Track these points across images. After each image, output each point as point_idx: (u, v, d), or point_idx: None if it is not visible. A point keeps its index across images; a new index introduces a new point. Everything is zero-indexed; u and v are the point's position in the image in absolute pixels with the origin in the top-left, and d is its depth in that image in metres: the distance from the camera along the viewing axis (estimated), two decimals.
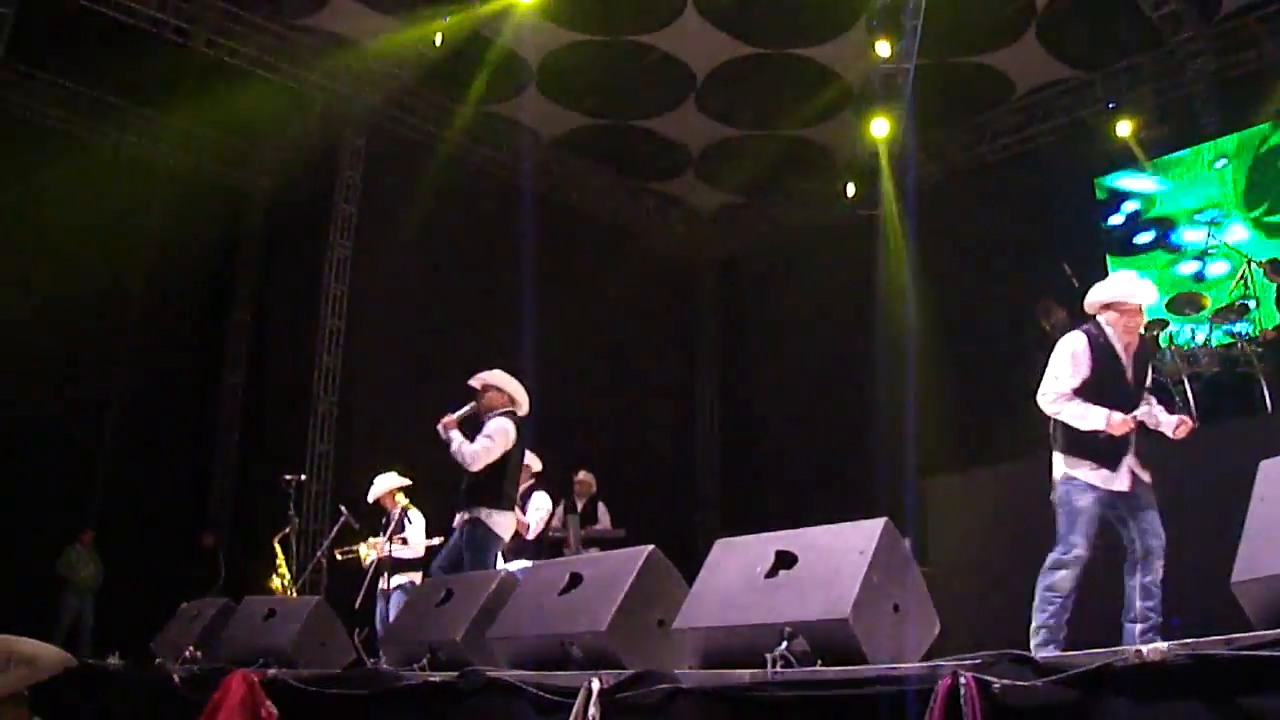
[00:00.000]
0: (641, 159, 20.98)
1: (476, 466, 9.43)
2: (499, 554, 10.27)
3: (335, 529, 12.82)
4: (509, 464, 9.78)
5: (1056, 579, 6.90)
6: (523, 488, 11.78)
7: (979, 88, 18.41)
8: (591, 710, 4.58)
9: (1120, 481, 7.09)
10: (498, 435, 9.57)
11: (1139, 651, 3.45)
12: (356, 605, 11.36)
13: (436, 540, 11.67)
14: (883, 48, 15.96)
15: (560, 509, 13.75)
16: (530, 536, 11.97)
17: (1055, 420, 7.36)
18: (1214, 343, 12.14)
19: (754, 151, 20.42)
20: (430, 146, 18.93)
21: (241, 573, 15.65)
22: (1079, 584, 6.86)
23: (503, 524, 9.65)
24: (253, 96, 17.67)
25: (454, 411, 9.73)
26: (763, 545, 4.93)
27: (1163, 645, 3.44)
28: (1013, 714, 3.63)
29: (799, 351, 20.71)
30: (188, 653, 8.36)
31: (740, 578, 4.88)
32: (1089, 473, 7.16)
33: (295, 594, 13.32)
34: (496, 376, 10.01)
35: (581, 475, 14.36)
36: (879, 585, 4.46)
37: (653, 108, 19.27)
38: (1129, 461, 7.15)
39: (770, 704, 4.22)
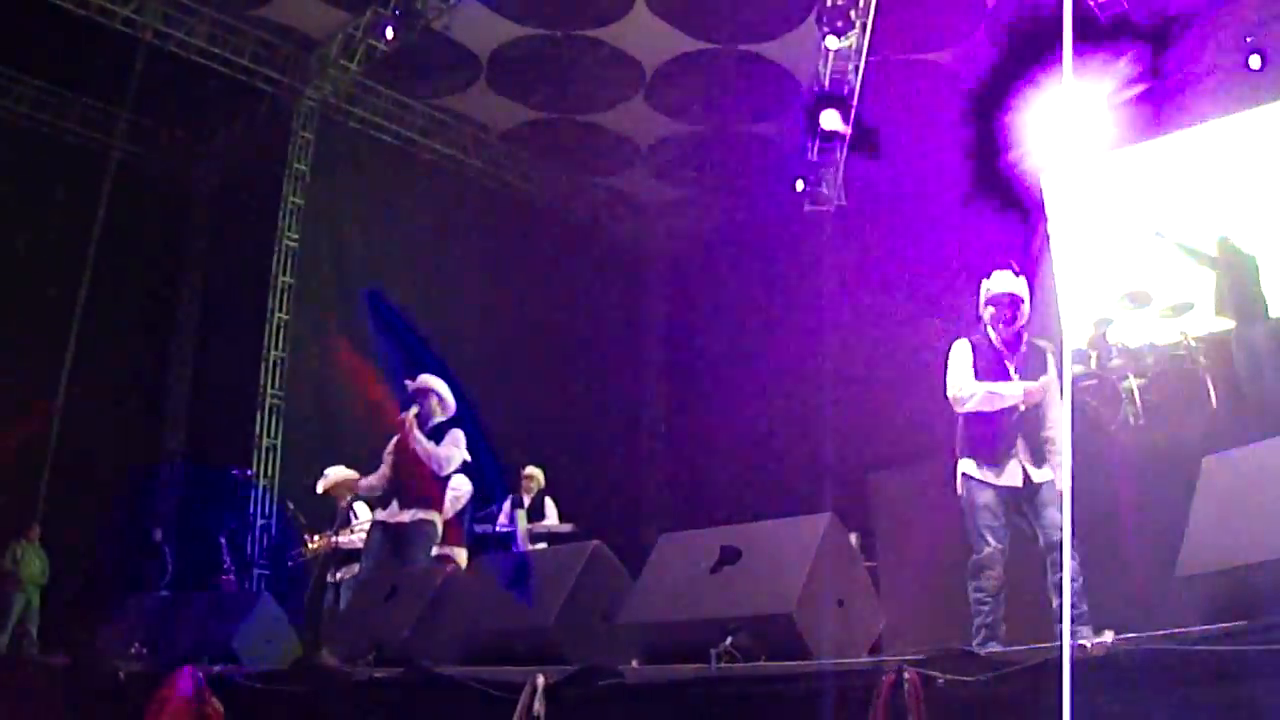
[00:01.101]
0: (590, 153, 20.94)
1: (447, 470, 9.75)
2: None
3: (281, 524, 12.78)
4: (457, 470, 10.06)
5: (981, 580, 6.90)
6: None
7: (929, 86, 18.46)
8: (536, 705, 4.58)
9: (1010, 477, 7.14)
10: (460, 444, 9.93)
11: (1083, 646, 3.47)
12: (304, 601, 11.34)
13: None
14: (830, 44, 15.98)
15: (508, 504, 13.75)
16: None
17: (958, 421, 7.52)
18: (1159, 341, 12.22)
19: (703, 146, 20.43)
20: (379, 139, 18.89)
21: (189, 568, 15.57)
22: (1005, 580, 6.88)
23: (439, 524, 9.81)
24: (201, 88, 17.59)
25: (405, 410, 9.85)
26: (707, 540, 4.95)
27: (1106, 639, 3.47)
28: (956, 708, 3.65)
29: (747, 347, 20.70)
30: (134, 649, 8.31)
31: (685, 573, 4.89)
32: (981, 470, 7.25)
33: (240, 589, 13.28)
34: (434, 381, 10.18)
35: (529, 470, 14.31)
36: (823, 580, 4.48)
37: (602, 102, 19.24)
38: (1020, 458, 7.18)
39: (714, 699, 4.23)
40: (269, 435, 16.47)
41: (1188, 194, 15.68)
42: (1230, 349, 11.71)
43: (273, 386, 16.60)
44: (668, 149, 20.64)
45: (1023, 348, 7.50)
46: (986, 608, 6.79)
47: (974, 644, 6.55)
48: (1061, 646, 3.53)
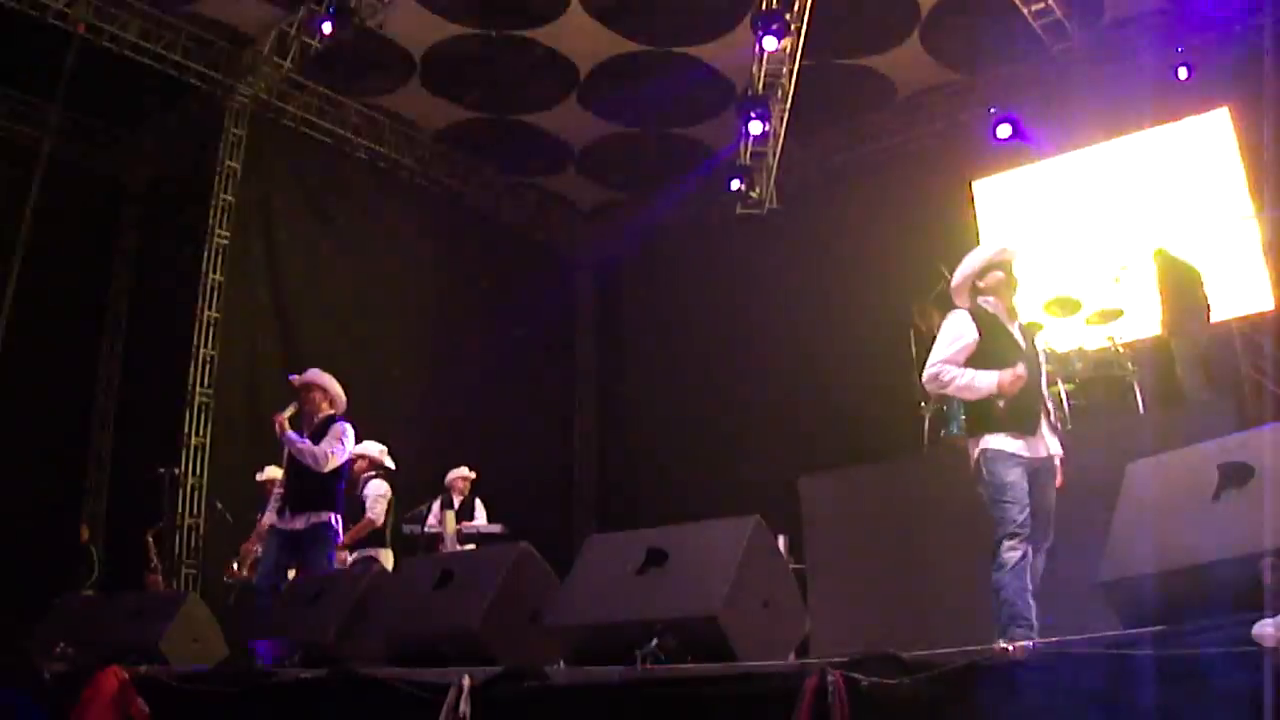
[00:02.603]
0: (523, 154, 20.90)
1: (328, 468, 9.56)
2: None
3: (206, 523, 12.73)
4: (344, 468, 9.96)
5: (1009, 560, 6.55)
6: (361, 479, 11.90)
7: (861, 90, 18.58)
8: (462, 707, 4.58)
9: (1036, 449, 6.99)
10: (346, 439, 9.69)
11: (1005, 649, 3.50)
12: (230, 601, 11.28)
13: None
14: (768, 45, 16.02)
15: (437, 505, 13.74)
16: (378, 524, 12.01)
17: (959, 403, 7.58)
18: (1088, 346, 12.34)
19: (636, 149, 20.46)
20: (311, 137, 18.80)
21: (117, 567, 15.45)
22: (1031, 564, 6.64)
23: (339, 524, 9.84)
24: (133, 83, 17.46)
25: (283, 410, 9.75)
26: (634, 542, 4.96)
27: (1027, 643, 3.50)
28: (881, 711, 3.67)
29: (678, 350, 20.75)
30: (59, 649, 8.25)
31: (612, 574, 4.91)
32: (1014, 443, 6.97)
33: (167, 589, 13.19)
34: (319, 376, 9.99)
35: (462, 471, 14.32)
36: (749, 582, 4.50)
37: (535, 103, 19.22)
38: (1043, 428, 7.09)
39: (639, 701, 4.25)
40: (198, 434, 16.33)
41: (1113, 203, 15.89)
42: (1156, 355, 11.87)
43: (202, 385, 16.46)
44: (601, 150, 20.65)
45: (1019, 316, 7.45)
46: (1010, 593, 6.47)
47: (1004, 641, 5.87)
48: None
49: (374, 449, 12.35)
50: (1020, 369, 6.93)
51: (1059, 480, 7.10)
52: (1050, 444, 7.11)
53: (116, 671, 6.70)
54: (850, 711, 3.64)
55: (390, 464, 12.43)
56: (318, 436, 9.73)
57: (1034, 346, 7.51)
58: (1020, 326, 7.44)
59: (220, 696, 6.17)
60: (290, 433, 9.57)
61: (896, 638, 5.95)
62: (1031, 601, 6.44)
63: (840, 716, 3.63)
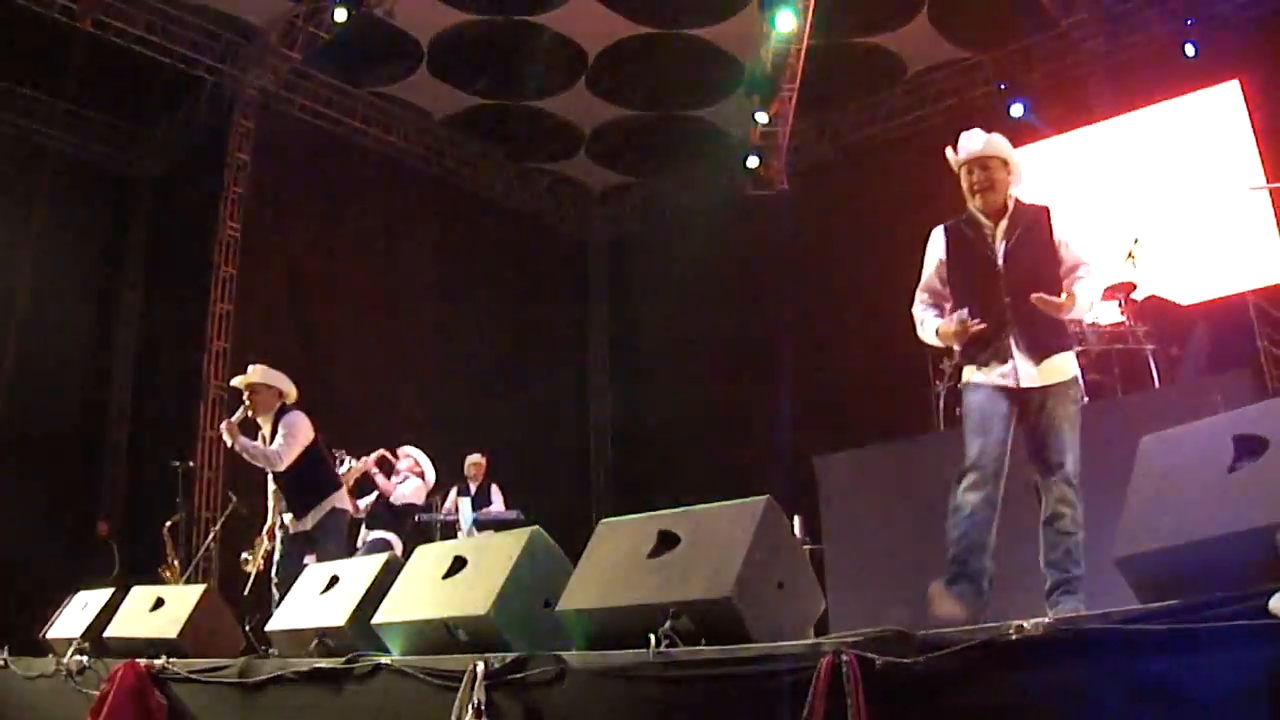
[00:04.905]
0: (533, 139, 20.96)
1: (282, 466, 9.43)
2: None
3: (224, 516, 12.75)
4: (319, 450, 9.84)
5: (959, 500, 5.98)
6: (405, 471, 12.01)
7: (871, 68, 18.56)
8: (477, 692, 4.57)
9: (1004, 375, 6.10)
10: (296, 430, 9.53)
11: (1020, 626, 3.47)
12: (245, 592, 11.27)
13: None
14: (783, 23, 15.99)
15: (454, 491, 13.77)
16: (388, 494, 12.15)
17: None
18: (1102, 321, 12.31)
19: (645, 132, 20.47)
20: (321, 127, 18.82)
21: (134, 560, 15.47)
22: (991, 505, 5.93)
23: (344, 500, 9.81)
24: (142, 77, 17.48)
25: (232, 415, 9.67)
26: (646, 525, 4.93)
27: (1043, 620, 3.47)
28: (896, 690, 3.65)
29: (691, 332, 20.77)
30: (76, 644, 8.25)
31: (624, 558, 4.88)
32: (974, 372, 6.23)
33: (184, 582, 13.21)
34: (260, 374, 9.78)
35: (475, 457, 14.33)
36: (762, 563, 4.46)
37: (544, 88, 19.23)
38: (1015, 351, 6.08)
39: (654, 683, 4.23)
40: (212, 426, 16.35)
41: (1125, 178, 15.85)
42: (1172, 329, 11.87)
43: (215, 378, 16.50)
44: (611, 134, 20.66)
45: (1009, 209, 6.35)
46: (957, 532, 5.96)
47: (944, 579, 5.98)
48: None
49: (423, 459, 12.57)
50: (963, 315, 6.12)
51: (1069, 415, 6.04)
52: (1027, 373, 6.08)
53: (134, 665, 6.70)
54: (865, 690, 3.62)
55: (432, 477, 12.60)
56: (275, 433, 9.65)
57: (1030, 249, 6.27)
58: (1011, 219, 6.32)
59: (237, 688, 6.17)
60: (242, 439, 9.45)
61: (914, 616, 5.94)
62: (987, 562, 5.90)
63: (855, 696, 3.61)
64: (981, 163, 6.41)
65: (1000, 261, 6.24)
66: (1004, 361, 6.11)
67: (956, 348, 6.34)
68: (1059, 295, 5.99)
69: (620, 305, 23.43)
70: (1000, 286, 6.19)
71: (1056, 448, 5.95)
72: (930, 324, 6.44)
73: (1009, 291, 6.13)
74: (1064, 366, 6.13)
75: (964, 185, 6.50)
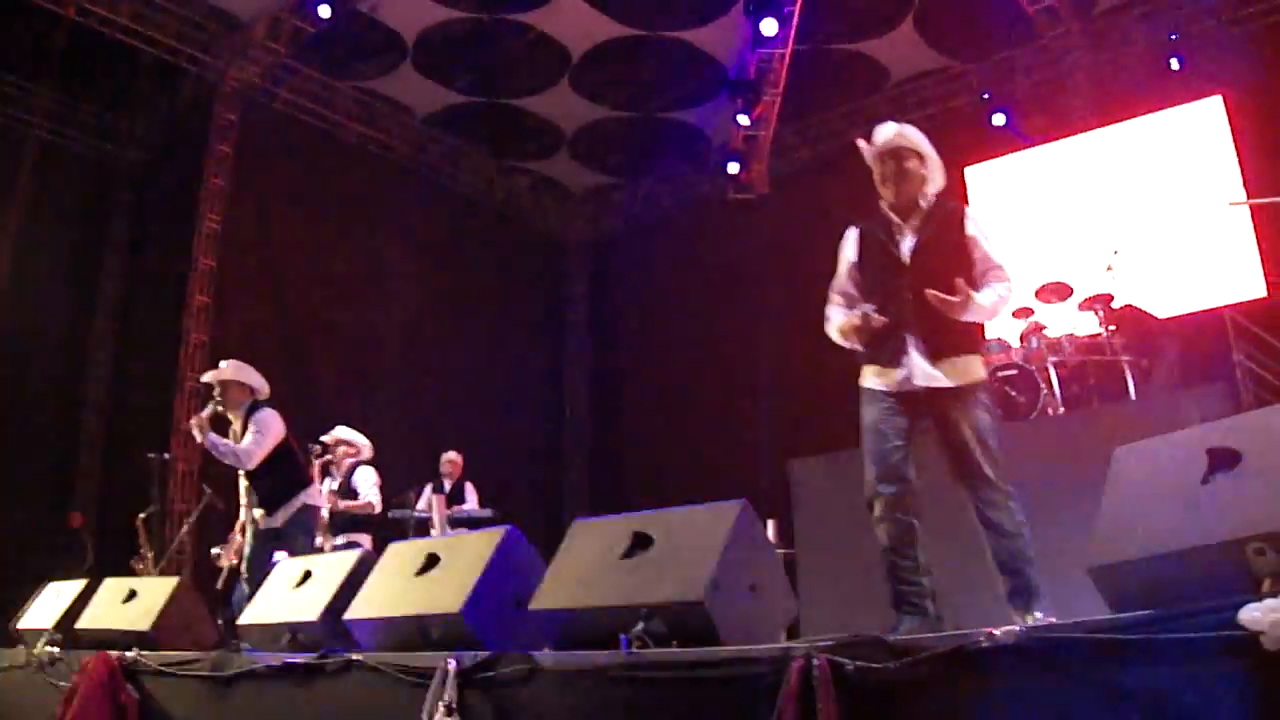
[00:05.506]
0: (515, 138, 20.95)
1: (252, 463, 9.41)
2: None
3: (199, 509, 12.71)
4: (289, 447, 9.80)
5: (876, 531, 5.92)
6: (346, 464, 11.86)
7: (854, 75, 18.60)
8: (448, 690, 4.58)
9: (901, 377, 5.92)
10: (266, 428, 9.50)
11: (991, 633, 3.49)
12: (219, 586, 11.26)
13: None
14: (764, 29, 16.04)
15: (428, 489, 13.73)
16: (378, 509, 12.02)
17: None
18: (1079, 332, 12.37)
19: (627, 133, 20.48)
20: (304, 121, 18.79)
21: (108, 553, 15.42)
22: (908, 526, 5.83)
23: (314, 497, 9.86)
24: (125, 67, 17.44)
25: (203, 411, 9.64)
26: (620, 526, 4.95)
27: (1015, 627, 3.49)
28: (866, 695, 3.66)
29: (669, 334, 20.83)
30: (48, 635, 8.23)
31: (597, 559, 4.89)
32: (871, 374, 6.10)
33: (158, 574, 13.16)
34: (231, 370, 9.75)
35: (450, 455, 14.29)
36: (735, 567, 4.48)
37: (528, 87, 19.24)
38: (913, 351, 5.90)
39: (625, 684, 4.24)
40: (189, 420, 16.30)
41: (1106, 190, 15.93)
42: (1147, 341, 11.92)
43: (193, 370, 16.43)
44: (593, 134, 20.68)
45: (923, 207, 6.16)
46: (885, 562, 5.87)
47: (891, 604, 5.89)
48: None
49: (354, 435, 12.32)
50: (867, 309, 5.91)
51: (976, 420, 5.83)
52: (924, 372, 5.89)
53: (104, 658, 6.68)
54: (835, 695, 3.63)
55: (370, 451, 12.38)
56: (245, 430, 9.61)
57: (939, 247, 6.06)
58: (922, 215, 6.14)
59: (209, 682, 6.16)
60: (211, 435, 9.42)
61: (887, 621, 5.95)
62: (922, 580, 5.78)
63: (825, 700, 3.62)
64: (894, 154, 6.23)
65: (907, 259, 6.04)
66: (901, 362, 5.92)
67: (859, 346, 6.13)
68: (970, 291, 5.74)
69: (599, 306, 23.44)
70: (904, 285, 5.96)
71: (974, 459, 5.77)
72: (835, 319, 6.27)
73: (913, 289, 5.87)
74: (966, 369, 5.92)
75: (875, 177, 6.34)
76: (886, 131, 6.32)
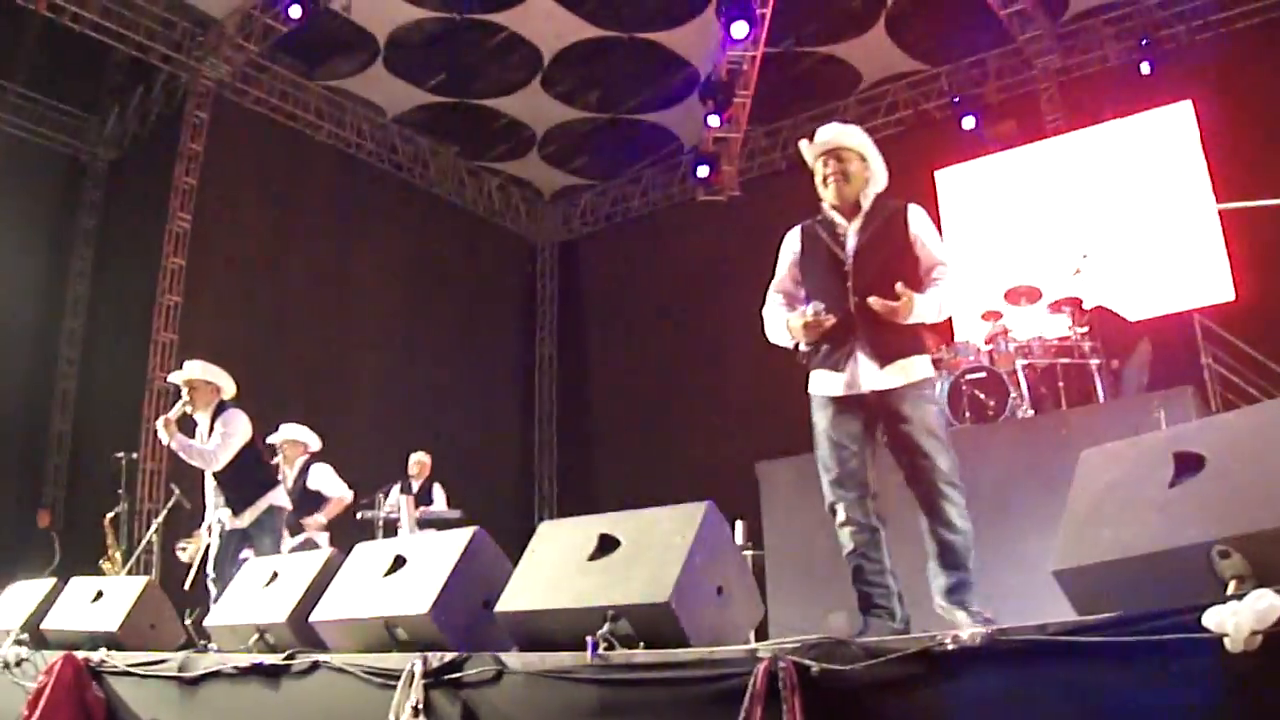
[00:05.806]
0: (486, 138, 20.94)
1: (220, 464, 9.34)
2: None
3: (166, 509, 12.66)
4: (257, 448, 9.83)
5: (839, 538, 5.82)
6: (298, 462, 11.79)
7: (826, 78, 18.64)
8: (415, 691, 4.57)
9: (850, 382, 5.79)
10: (233, 428, 9.43)
11: (956, 636, 3.50)
12: (186, 587, 11.20)
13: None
14: (735, 32, 16.07)
15: (396, 490, 13.68)
16: (349, 500, 11.94)
17: None
18: (1048, 334, 12.39)
19: (598, 134, 20.50)
20: (274, 120, 18.74)
21: (75, 552, 15.37)
22: (870, 529, 5.74)
23: (281, 498, 9.78)
24: (95, 65, 17.38)
25: (171, 411, 9.60)
26: (587, 527, 4.94)
27: (980, 629, 3.49)
28: (832, 696, 3.66)
29: (639, 335, 20.86)
30: (14, 635, 8.19)
31: (564, 560, 4.88)
32: (819, 380, 5.96)
33: (125, 574, 13.11)
34: (199, 370, 9.66)
35: (418, 456, 14.25)
36: (701, 568, 4.47)
37: (499, 87, 19.23)
38: (858, 354, 5.76)
39: (591, 685, 4.24)
40: (157, 418, 16.25)
41: (1075, 194, 15.98)
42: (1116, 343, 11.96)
43: (162, 369, 16.38)
44: (564, 135, 20.68)
45: (864, 207, 6.01)
46: (850, 566, 5.79)
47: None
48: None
49: (302, 432, 12.21)
50: (817, 307, 5.77)
51: (925, 417, 5.72)
52: (871, 375, 5.76)
53: (71, 658, 6.66)
54: (801, 697, 3.63)
55: (318, 444, 12.26)
56: (212, 430, 9.55)
57: (881, 247, 5.92)
58: (865, 216, 5.99)
59: (176, 682, 6.14)
60: (179, 436, 9.37)
61: (854, 623, 5.95)
62: (888, 583, 5.68)
63: (792, 703, 3.62)
64: (835, 154, 6.05)
65: (849, 261, 5.89)
66: (847, 366, 5.79)
67: (805, 345, 5.97)
68: (913, 295, 5.60)
69: (569, 307, 23.43)
70: (847, 287, 5.82)
71: (922, 453, 5.63)
72: (779, 318, 6.10)
73: (856, 291, 5.75)
74: (913, 369, 5.77)
75: (816, 178, 6.15)
76: (827, 132, 6.16)
